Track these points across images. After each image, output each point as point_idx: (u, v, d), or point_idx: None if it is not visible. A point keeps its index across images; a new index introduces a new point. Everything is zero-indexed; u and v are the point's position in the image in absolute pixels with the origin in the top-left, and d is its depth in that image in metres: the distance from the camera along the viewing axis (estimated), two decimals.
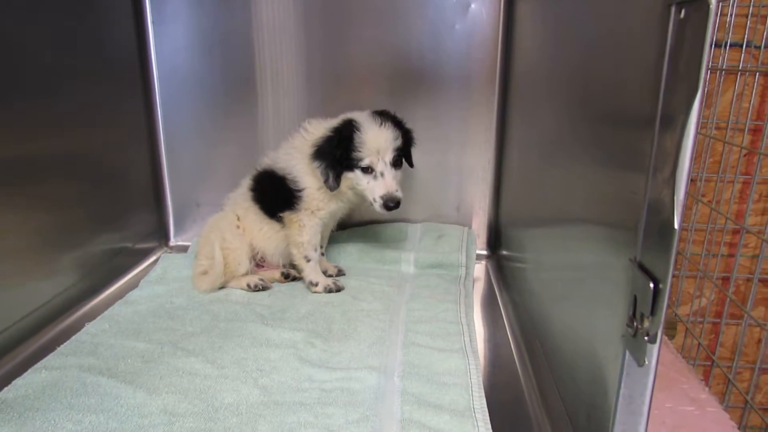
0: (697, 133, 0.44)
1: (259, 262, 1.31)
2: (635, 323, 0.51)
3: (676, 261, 0.43)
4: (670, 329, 1.30)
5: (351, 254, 1.42)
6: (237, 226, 1.27)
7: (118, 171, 1.38)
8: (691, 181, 1.50)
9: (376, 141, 1.14)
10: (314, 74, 1.44)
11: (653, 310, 0.48)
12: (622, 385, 0.55)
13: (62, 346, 1.00)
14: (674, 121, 0.46)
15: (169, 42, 1.43)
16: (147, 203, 1.50)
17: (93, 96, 1.25)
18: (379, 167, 1.16)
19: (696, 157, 1.49)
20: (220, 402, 0.85)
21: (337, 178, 1.16)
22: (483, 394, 0.87)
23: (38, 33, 1.08)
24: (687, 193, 0.46)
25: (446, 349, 1.00)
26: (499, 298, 1.26)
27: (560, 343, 0.84)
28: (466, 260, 1.37)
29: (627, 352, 0.53)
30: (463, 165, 1.47)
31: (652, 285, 0.48)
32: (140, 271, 1.40)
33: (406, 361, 0.96)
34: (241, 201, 1.29)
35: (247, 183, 1.30)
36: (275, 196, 1.23)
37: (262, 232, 1.27)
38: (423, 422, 0.80)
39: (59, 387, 0.87)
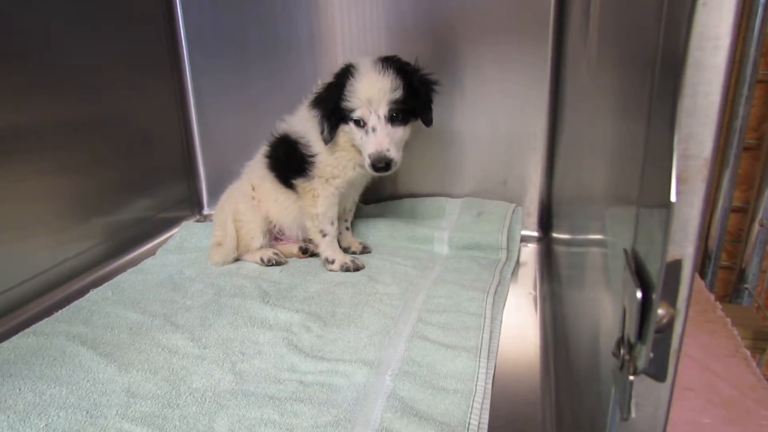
0: None
1: (277, 235, 1.22)
2: (622, 350, 0.34)
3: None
4: (761, 340, 1.04)
5: (381, 230, 1.29)
6: (252, 197, 1.18)
7: (149, 137, 1.36)
8: None
9: (367, 90, 0.99)
10: (356, 29, 1.30)
11: (640, 332, 0.31)
12: None
13: (60, 311, 0.99)
14: None
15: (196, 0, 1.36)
16: (179, 170, 1.47)
17: (119, 59, 1.22)
18: (372, 121, 1.01)
19: None
20: (187, 386, 0.77)
21: (332, 130, 1.05)
22: (487, 407, 0.72)
23: None
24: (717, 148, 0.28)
25: (457, 347, 0.85)
26: (538, 289, 1.07)
27: (582, 350, 0.66)
28: (508, 242, 1.19)
29: (614, 392, 0.36)
30: (511, 132, 1.27)
31: (639, 294, 0.31)
32: (166, 239, 1.37)
33: (405, 357, 0.83)
34: (257, 169, 1.20)
35: (263, 149, 1.20)
36: (288, 162, 1.13)
37: (277, 203, 1.17)
38: None
39: (39, 354, 0.85)
